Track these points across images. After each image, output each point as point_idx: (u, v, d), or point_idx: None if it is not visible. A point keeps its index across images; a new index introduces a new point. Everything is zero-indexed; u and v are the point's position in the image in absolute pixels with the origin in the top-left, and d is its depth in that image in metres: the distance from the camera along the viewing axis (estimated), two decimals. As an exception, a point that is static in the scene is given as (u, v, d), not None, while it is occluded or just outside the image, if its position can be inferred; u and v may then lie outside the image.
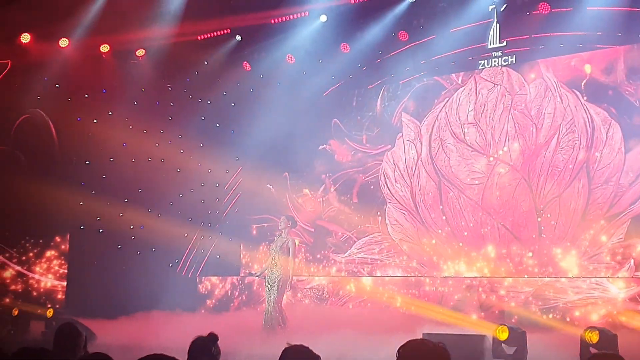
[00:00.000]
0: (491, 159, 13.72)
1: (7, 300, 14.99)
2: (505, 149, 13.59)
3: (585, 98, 12.86)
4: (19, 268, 15.25)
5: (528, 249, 13.16)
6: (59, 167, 15.32)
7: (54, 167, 15.24)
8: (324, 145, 16.20)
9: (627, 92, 12.48)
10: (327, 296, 15.09)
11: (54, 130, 15.41)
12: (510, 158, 13.53)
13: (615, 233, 12.29)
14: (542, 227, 13.07)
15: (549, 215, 13.03)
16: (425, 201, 14.58)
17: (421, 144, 14.72)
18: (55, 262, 15.48)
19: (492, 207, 13.64)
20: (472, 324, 12.23)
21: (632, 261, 12.00)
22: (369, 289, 14.55)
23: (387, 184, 15.20)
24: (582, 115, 12.89)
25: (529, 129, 13.39)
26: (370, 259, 15.18)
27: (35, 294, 15.34)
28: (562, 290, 12.16)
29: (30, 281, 15.36)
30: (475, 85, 14.10)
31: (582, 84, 12.92)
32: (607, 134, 12.59)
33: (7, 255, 15.18)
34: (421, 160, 14.69)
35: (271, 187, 16.71)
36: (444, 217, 14.27)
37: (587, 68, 12.91)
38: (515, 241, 13.31)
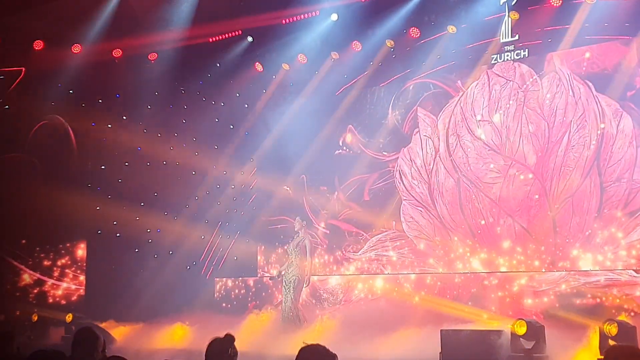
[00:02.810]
0: (507, 162, 13.66)
1: (25, 306, 15.05)
2: (520, 148, 13.51)
3: (596, 89, 12.76)
4: (37, 274, 15.32)
5: (544, 247, 13.08)
6: (76, 172, 15.39)
7: (70, 173, 15.31)
8: (340, 150, 16.18)
9: (638, 85, 12.38)
10: (342, 295, 15.07)
11: (72, 137, 15.48)
12: (524, 158, 13.45)
13: (634, 230, 12.13)
14: (557, 227, 12.98)
15: (563, 215, 12.94)
16: (443, 198, 14.49)
17: (438, 139, 14.64)
18: (72, 267, 15.56)
19: (509, 206, 13.57)
20: (490, 320, 12.20)
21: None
22: (385, 287, 14.52)
23: (402, 181, 15.14)
24: (593, 109, 12.78)
25: (541, 127, 13.30)
26: (385, 256, 15.13)
27: (53, 299, 15.42)
28: (579, 285, 12.09)
29: (48, 287, 15.43)
30: (488, 81, 14.04)
31: (595, 75, 12.84)
32: (617, 127, 12.45)
33: (24, 262, 15.24)
34: (439, 156, 14.61)
35: (288, 188, 16.70)
36: (462, 215, 14.21)
37: (600, 59, 12.83)
38: (530, 239, 13.24)
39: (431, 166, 14.69)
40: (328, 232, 16.07)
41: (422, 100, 14.96)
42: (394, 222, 15.12)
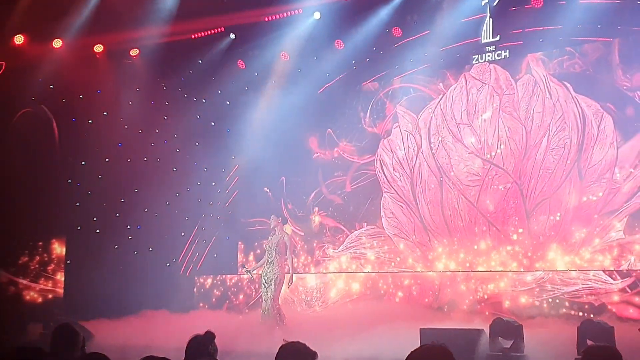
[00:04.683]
0: (486, 166, 13.74)
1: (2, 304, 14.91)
2: (497, 151, 13.59)
3: (576, 90, 12.85)
4: (14, 270, 15.18)
5: (521, 248, 13.15)
6: (56, 168, 15.28)
7: (51, 167, 15.19)
8: (318, 154, 16.23)
9: (620, 85, 12.47)
10: (322, 294, 15.08)
11: (55, 127, 15.36)
12: (502, 162, 13.53)
13: (611, 231, 12.23)
14: (535, 227, 13.06)
15: (539, 215, 13.02)
16: (425, 196, 14.54)
17: (420, 136, 14.70)
18: (51, 263, 15.45)
19: (486, 208, 13.65)
20: (469, 319, 12.25)
21: (633, 258, 11.97)
22: (364, 285, 14.55)
23: (383, 171, 15.18)
24: (572, 110, 12.86)
25: (518, 131, 13.38)
26: (364, 255, 15.17)
27: (30, 296, 15.30)
28: (557, 285, 12.17)
29: (26, 284, 15.30)
30: (466, 84, 14.12)
31: (575, 76, 12.93)
32: (598, 127, 12.54)
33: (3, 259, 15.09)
34: (422, 153, 14.66)
35: (268, 190, 16.71)
36: (442, 215, 14.26)
37: (581, 61, 12.92)
38: (507, 241, 13.32)
39: (414, 161, 14.74)
40: (303, 233, 16.11)
41: (400, 103, 15.04)
42: (365, 223, 15.18)
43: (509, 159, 13.45)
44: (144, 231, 15.69)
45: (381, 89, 15.42)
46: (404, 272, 14.40)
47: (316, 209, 16.07)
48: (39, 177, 14.92)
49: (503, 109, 13.57)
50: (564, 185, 12.78)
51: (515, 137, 13.40)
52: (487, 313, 12.44)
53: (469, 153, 13.94)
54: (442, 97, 14.44)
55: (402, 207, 14.84)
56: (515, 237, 13.26)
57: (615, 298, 11.61)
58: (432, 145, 14.50)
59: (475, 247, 13.71)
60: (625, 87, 12.41)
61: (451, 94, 14.32)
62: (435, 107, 14.52)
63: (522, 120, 13.35)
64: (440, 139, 14.36)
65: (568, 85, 12.92)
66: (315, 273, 15.61)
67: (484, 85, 13.85)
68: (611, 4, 12.47)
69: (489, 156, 13.67)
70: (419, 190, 14.65)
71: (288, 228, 13.57)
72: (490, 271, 13.26)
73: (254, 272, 13.42)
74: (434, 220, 14.37)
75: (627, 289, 11.52)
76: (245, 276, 14.67)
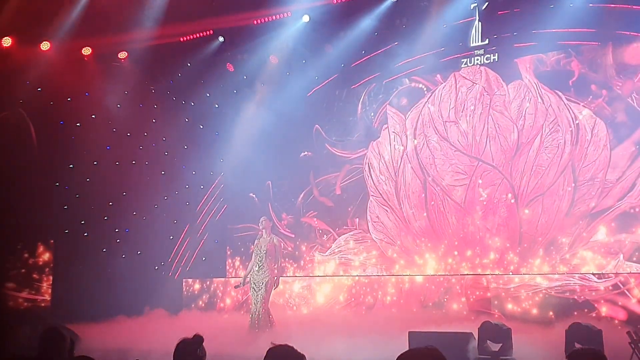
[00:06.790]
0: (474, 163, 13.76)
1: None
2: (487, 149, 13.62)
3: (568, 97, 12.90)
4: (1, 274, 15.10)
5: (510, 248, 13.19)
6: (42, 171, 15.20)
7: (32, 169, 15.10)
8: (306, 152, 16.23)
9: (613, 88, 12.52)
10: (311, 297, 15.08)
11: (33, 132, 15.26)
12: (492, 158, 13.56)
13: (602, 230, 12.31)
14: (523, 227, 13.10)
15: (530, 212, 13.05)
16: (410, 200, 14.57)
17: (406, 137, 14.75)
18: (39, 267, 15.38)
19: (474, 208, 13.67)
20: (457, 322, 12.25)
21: (622, 256, 12.04)
22: (352, 289, 14.55)
23: (371, 175, 15.21)
24: (565, 115, 12.93)
25: (509, 129, 13.42)
26: (352, 260, 15.18)
27: (15, 302, 15.20)
28: (545, 288, 12.20)
29: (14, 287, 15.23)
30: (455, 83, 14.17)
31: (567, 81, 12.97)
32: (592, 131, 12.63)
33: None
34: (407, 155, 14.70)
35: (254, 196, 16.72)
36: (427, 218, 14.27)
37: (572, 65, 12.96)
38: (496, 241, 13.34)
39: (398, 164, 14.77)
40: (293, 235, 16.11)
41: (393, 97, 15.06)
42: (356, 220, 15.19)
43: (499, 156, 13.48)
44: (133, 234, 15.67)
45: (369, 91, 15.44)
46: (392, 276, 14.40)
47: (305, 210, 16.07)
48: (26, 180, 14.84)
49: (493, 107, 13.62)
50: (558, 182, 12.84)
51: (506, 134, 13.44)
52: (473, 317, 12.45)
53: (455, 151, 13.98)
54: (430, 96, 14.49)
55: (386, 211, 14.87)
56: (503, 237, 13.28)
57: (603, 300, 11.64)
58: (417, 146, 14.54)
59: (463, 250, 13.71)
60: (618, 88, 12.46)
61: (440, 92, 14.38)
62: (423, 106, 14.57)
63: (513, 119, 13.40)
64: (425, 138, 14.40)
65: (560, 94, 12.98)
66: (303, 276, 15.59)
67: (474, 84, 13.90)
68: (601, 9, 12.49)
69: (481, 153, 13.67)
70: (402, 193, 14.68)
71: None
72: (478, 274, 13.27)
73: (247, 279, 13.29)
74: (419, 224, 14.38)
75: (616, 289, 11.56)
76: (240, 288, 14.57)
